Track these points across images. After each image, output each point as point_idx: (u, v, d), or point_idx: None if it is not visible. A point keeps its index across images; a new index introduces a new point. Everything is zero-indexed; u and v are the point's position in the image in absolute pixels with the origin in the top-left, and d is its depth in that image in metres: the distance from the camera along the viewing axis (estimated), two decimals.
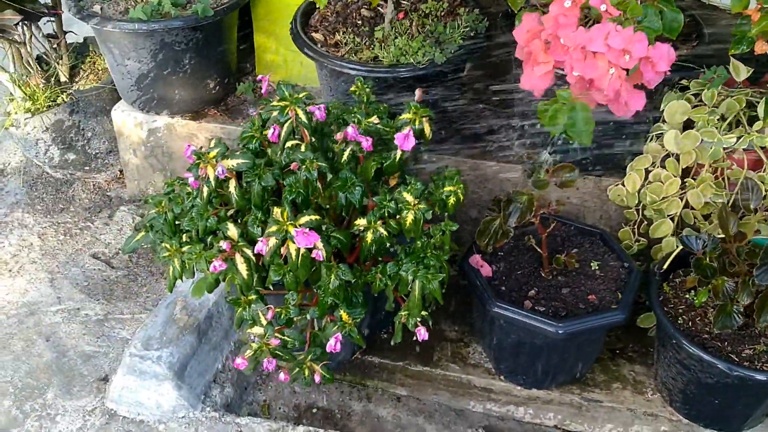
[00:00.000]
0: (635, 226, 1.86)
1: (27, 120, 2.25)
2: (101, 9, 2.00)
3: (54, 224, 2.26)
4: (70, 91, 2.32)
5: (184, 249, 1.44)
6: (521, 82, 1.19)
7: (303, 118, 1.41)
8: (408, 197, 1.37)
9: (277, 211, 1.32)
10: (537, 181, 1.52)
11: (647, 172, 1.80)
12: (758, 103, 1.66)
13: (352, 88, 1.58)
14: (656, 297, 1.64)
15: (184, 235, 1.47)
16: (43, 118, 2.26)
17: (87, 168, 2.40)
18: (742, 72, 1.69)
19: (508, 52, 1.83)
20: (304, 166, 1.37)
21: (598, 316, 1.58)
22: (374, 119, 1.49)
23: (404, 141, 1.42)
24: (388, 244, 1.38)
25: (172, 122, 2.15)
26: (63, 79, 2.38)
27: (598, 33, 1.14)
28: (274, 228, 1.30)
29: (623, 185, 1.83)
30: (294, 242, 1.28)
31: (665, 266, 1.67)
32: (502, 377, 1.78)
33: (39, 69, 2.33)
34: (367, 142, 1.44)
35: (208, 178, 1.36)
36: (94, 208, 2.32)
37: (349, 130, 1.44)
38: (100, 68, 2.42)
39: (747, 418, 1.61)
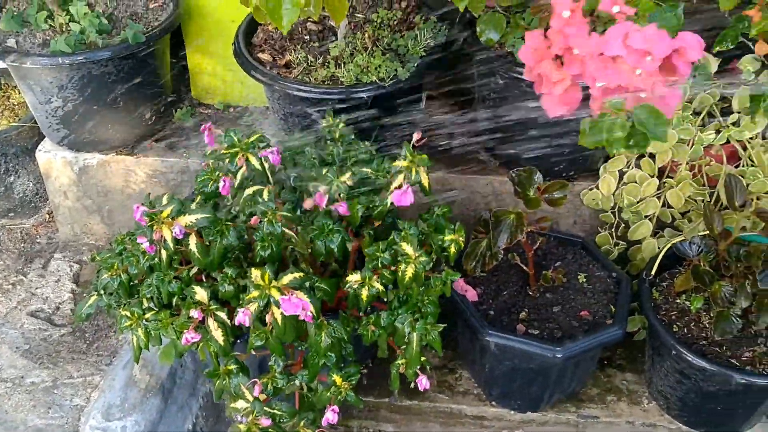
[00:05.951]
0: (612, 230, 1.79)
1: None
2: (17, 43, 1.78)
3: None
4: None
5: (148, 316, 1.27)
6: (546, 110, 1.05)
7: (256, 165, 1.26)
8: (407, 249, 1.23)
9: (256, 273, 1.16)
10: (528, 199, 1.41)
11: (621, 173, 1.74)
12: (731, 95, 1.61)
13: (324, 124, 1.42)
14: (649, 305, 1.57)
15: (145, 299, 1.30)
16: None
17: (12, 214, 2.17)
18: (713, 65, 1.63)
19: (470, 59, 1.73)
20: (266, 219, 1.22)
21: (595, 335, 1.50)
22: (347, 177, 1.29)
23: (401, 198, 1.26)
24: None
25: (107, 159, 1.96)
26: None
27: (614, 34, 1.02)
28: (255, 293, 1.15)
29: (598, 188, 1.77)
30: (279, 307, 1.13)
31: (653, 272, 1.61)
32: (494, 402, 1.69)
33: None
34: (342, 208, 1.28)
35: (165, 240, 1.19)
36: (25, 258, 2.10)
37: (324, 195, 1.26)
38: (16, 103, 2.19)
39: (747, 419, 1.57)
